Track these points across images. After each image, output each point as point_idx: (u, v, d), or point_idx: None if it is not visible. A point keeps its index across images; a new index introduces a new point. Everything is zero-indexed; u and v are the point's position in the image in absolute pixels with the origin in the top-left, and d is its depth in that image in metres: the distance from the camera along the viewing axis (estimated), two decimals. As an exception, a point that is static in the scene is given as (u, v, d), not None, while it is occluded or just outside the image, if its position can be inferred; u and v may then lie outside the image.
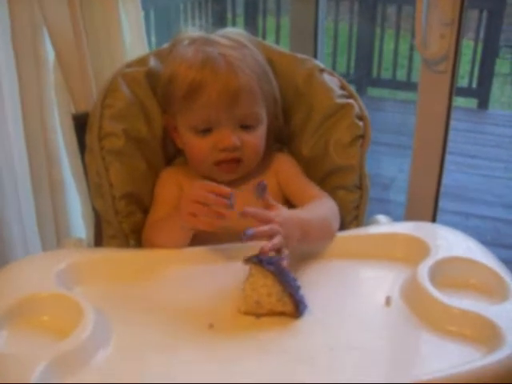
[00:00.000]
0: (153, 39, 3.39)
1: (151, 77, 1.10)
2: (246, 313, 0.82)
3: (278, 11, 4.68)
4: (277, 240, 0.85)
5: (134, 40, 1.51)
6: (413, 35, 4.67)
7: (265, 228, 0.86)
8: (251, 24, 4.62)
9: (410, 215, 1.51)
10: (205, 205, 0.90)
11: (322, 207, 1.03)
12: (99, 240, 1.11)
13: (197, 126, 1.03)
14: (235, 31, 1.10)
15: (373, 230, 1.05)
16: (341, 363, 0.74)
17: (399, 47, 4.88)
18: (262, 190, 0.90)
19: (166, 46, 1.14)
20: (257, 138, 1.06)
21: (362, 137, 1.10)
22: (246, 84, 1.02)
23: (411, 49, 4.76)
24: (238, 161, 1.05)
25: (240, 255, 0.85)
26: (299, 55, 1.16)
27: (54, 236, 1.65)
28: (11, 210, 1.51)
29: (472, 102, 4.55)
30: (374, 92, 4.96)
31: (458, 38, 1.32)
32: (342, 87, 1.13)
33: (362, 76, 4.94)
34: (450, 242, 0.98)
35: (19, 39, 1.47)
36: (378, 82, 4.99)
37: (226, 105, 1.01)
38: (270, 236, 0.85)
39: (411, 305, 0.84)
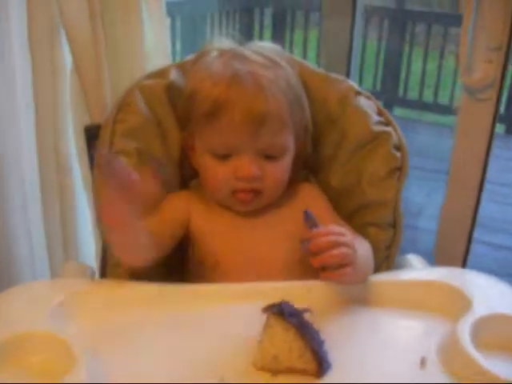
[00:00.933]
0: (177, 48, 3.34)
1: (172, 91, 1.01)
2: (262, 368, 0.72)
3: (305, 24, 4.60)
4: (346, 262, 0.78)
5: (156, 49, 1.43)
6: (441, 55, 4.62)
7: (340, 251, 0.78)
8: (279, 37, 4.54)
9: (441, 245, 1.41)
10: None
11: (362, 246, 0.92)
12: (105, 265, 1.02)
13: (215, 150, 0.93)
14: (270, 46, 1.00)
15: (406, 275, 0.94)
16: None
17: (427, 67, 4.77)
18: (312, 219, 0.82)
19: (190, 57, 1.05)
20: (280, 169, 0.96)
21: (399, 169, 1.00)
22: (274, 109, 0.91)
23: (440, 69, 4.66)
24: (256, 192, 0.95)
25: (259, 296, 0.76)
26: (332, 75, 1.06)
27: (62, 247, 1.58)
28: (18, 215, 1.45)
29: (500, 128, 4.43)
30: (399, 112, 4.85)
31: (505, 64, 1.22)
32: (379, 113, 1.03)
33: (388, 95, 4.84)
34: (492, 295, 0.87)
35: (36, 42, 1.41)
36: (405, 102, 4.88)
37: (249, 130, 0.91)
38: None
39: (450, 369, 0.73)
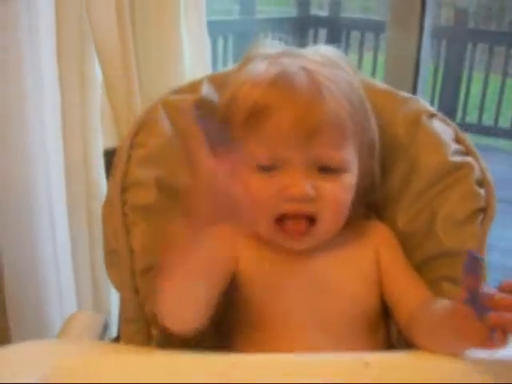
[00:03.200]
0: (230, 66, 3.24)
1: (202, 107, 0.84)
2: None
3: (360, 46, 4.43)
4: None
5: (195, 66, 1.30)
6: (504, 77, 4.39)
7: None
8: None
9: None
10: None
11: None
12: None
13: (258, 162, 0.74)
14: (329, 49, 0.82)
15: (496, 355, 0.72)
16: None
17: (487, 90, 4.55)
18: (476, 265, 0.62)
19: (228, 68, 0.89)
20: (340, 188, 0.76)
21: (484, 210, 0.80)
22: (333, 113, 0.72)
23: (502, 91, 4.42)
24: (310, 219, 0.74)
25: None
26: (401, 93, 0.88)
27: (90, 276, 1.45)
28: (46, 246, 1.32)
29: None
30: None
31: None
32: (458, 140, 0.84)
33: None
34: None
35: (65, 54, 1.31)
36: (463, 127, 4.65)
37: (301, 138, 0.72)
38: None
39: None
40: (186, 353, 0.69)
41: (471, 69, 4.59)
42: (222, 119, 0.80)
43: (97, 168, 1.36)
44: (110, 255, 0.80)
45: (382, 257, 0.81)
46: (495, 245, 2.58)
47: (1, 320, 1.33)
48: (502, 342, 0.60)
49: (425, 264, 0.82)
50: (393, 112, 0.85)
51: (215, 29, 3.09)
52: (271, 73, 0.74)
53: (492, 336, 0.60)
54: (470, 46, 4.56)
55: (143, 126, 0.82)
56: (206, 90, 0.85)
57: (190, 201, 0.62)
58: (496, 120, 4.52)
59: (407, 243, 0.83)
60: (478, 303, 0.61)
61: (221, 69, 1.18)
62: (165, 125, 0.82)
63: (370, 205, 0.87)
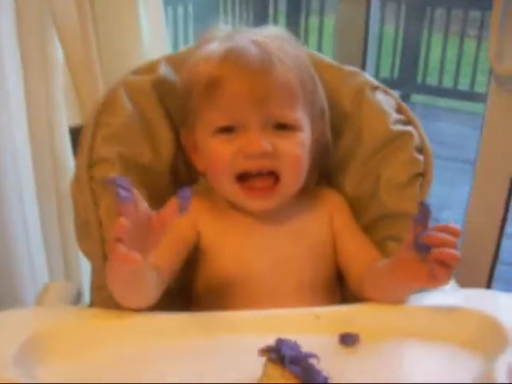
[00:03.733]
0: (191, 35, 3.23)
1: (161, 87, 0.89)
2: (259, 422, 0.60)
3: (321, 10, 4.44)
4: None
5: (154, 43, 1.33)
6: (461, 41, 4.46)
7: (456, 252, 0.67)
8: (293, 23, 4.39)
9: (469, 240, 1.30)
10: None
11: None
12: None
13: (217, 124, 0.80)
14: (278, 28, 0.88)
15: (429, 298, 0.80)
16: None
17: (447, 52, 4.61)
18: (425, 216, 0.69)
19: (182, 49, 0.93)
20: (296, 145, 0.81)
21: (423, 175, 0.87)
22: (284, 78, 0.79)
23: (460, 55, 4.49)
24: (272, 175, 0.81)
25: (263, 328, 0.64)
26: (346, 67, 0.93)
27: (60, 252, 1.50)
28: (16, 223, 1.36)
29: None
30: (418, 99, 4.69)
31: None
32: (399, 110, 0.90)
33: (407, 82, 4.68)
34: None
35: (26, 36, 1.33)
36: (424, 89, 4.72)
37: (254, 101, 0.78)
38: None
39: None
40: (164, 314, 0.75)
41: (430, 32, 4.64)
42: (180, 96, 0.86)
43: (64, 149, 1.40)
44: (81, 228, 0.85)
45: (334, 222, 0.88)
46: (452, 204, 2.69)
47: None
48: (446, 277, 0.68)
49: (371, 226, 0.89)
50: (338, 84, 0.91)
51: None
52: (223, 48, 0.80)
53: (434, 272, 0.68)
54: (428, 9, 4.61)
55: (106, 106, 0.86)
56: (164, 70, 0.90)
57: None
58: (455, 82, 4.59)
59: (355, 207, 0.90)
60: (421, 247, 0.69)
61: (182, 39, 1.22)
62: (126, 105, 0.86)
63: (322, 172, 0.93)
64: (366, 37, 1.29)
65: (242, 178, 0.81)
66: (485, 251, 1.31)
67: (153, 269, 0.73)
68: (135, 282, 0.71)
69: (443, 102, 4.66)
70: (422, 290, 0.78)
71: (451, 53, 4.64)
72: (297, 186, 0.84)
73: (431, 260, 0.68)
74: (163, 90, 0.89)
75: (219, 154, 0.80)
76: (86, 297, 1.00)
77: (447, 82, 4.62)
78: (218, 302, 0.83)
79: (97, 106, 0.86)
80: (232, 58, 0.79)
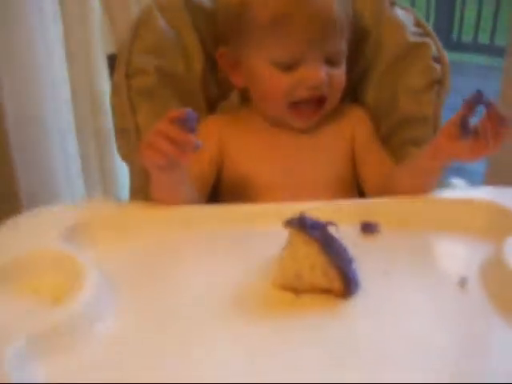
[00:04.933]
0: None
1: (191, 6, 0.94)
2: (283, 287, 0.66)
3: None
4: None
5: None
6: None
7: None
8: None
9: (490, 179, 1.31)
10: (167, 139, 0.70)
11: None
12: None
13: (280, 60, 0.86)
14: None
15: (446, 194, 0.86)
16: (394, 357, 0.57)
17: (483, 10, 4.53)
18: (478, 97, 0.72)
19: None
20: (342, 74, 0.90)
21: (440, 82, 0.91)
22: (338, 12, 0.85)
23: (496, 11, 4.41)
24: (321, 101, 0.88)
25: (283, 217, 0.68)
26: (365, -15, 0.97)
27: (100, 183, 1.58)
28: (57, 158, 1.43)
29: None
30: (453, 57, 4.62)
31: None
32: (417, 24, 0.94)
33: (441, 39, 4.62)
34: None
35: None
36: (459, 46, 4.65)
37: (318, 36, 0.85)
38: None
39: (492, 290, 0.66)
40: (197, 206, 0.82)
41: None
42: (227, 15, 0.90)
43: (101, 83, 1.45)
44: (120, 133, 0.92)
45: (356, 136, 0.94)
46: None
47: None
48: (496, 146, 0.71)
49: (391, 132, 0.95)
50: (359, 1, 0.95)
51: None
52: None
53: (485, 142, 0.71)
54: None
55: (140, 23, 0.91)
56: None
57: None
58: (492, 38, 4.51)
59: (376, 116, 0.96)
60: (466, 128, 0.72)
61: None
62: (159, 21, 0.91)
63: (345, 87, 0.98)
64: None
65: (293, 104, 0.88)
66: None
67: (191, 180, 0.81)
68: (176, 188, 0.79)
69: (480, 60, 4.58)
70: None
71: (487, 9, 4.56)
72: (335, 106, 0.92)
73: (483, 127, 0.71)
74: (194, 9, 0.94)
75: (276, 83, 0.87)
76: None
77: (484, 40, 4.55)
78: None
79: (132, 24, 0.92)
80: None
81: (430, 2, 4.65)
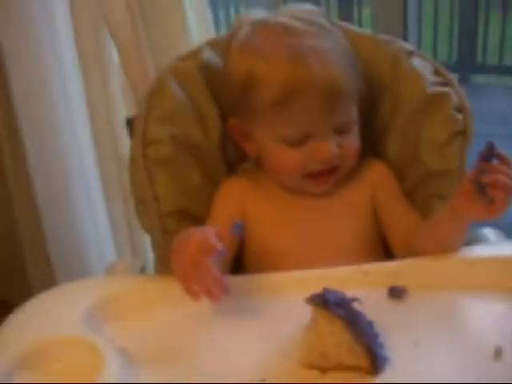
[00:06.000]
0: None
1: (206, 71, 0.94)
2: (309, 366, 0.64)
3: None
4: None
5: (200, 35, 1.40)
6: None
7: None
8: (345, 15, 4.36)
9: None
10: (201, 279, 0.72)
11: None
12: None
13: (290, 137, 0.85)
14: (305, 8, 0.91)
15: (479, 251, 0.82)
16: None
17: (506, 30, 4.47)
18: (490, 150, 0.72)
19: (223, 34, 0.98)
20: (355, 140, 0.89)
21: (463, 133, 0.88)
22: (344, 82, 0.84)
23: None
24: (335, 170, 0.88)
25: (307, 288, 0.66)
26: (381, 36, 0.96)
27: (128, 240, 1.59)
28: (86, 218, 1.48)
29: None
30: (478, 79, 4.57)
31: None
32: (437, 73, 0.92)
33: (466, 62, 4.58)
34: None
35: (82, 39, 1.44)
36: (484, 68, 4.60)
37: (326, 110, 0.84)
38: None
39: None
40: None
41: (488, 9, 4.52)
42: (232, 87, 0.88)
43: (125, 142, 1.47)
44: (139, 205, 0.91)
45: (378, 194, 0.92)
46: None
47: (47, 274, 1.47)
48: (504, 204, 0.70)
49: (415, 187, 0.92)
50: (376, 54, 0.94)
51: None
52: (285, 54, 0.82)
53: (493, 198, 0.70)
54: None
55: (155, 91, 0.91)
56: (208, 55, 0.95)
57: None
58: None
59: (398, 171, 0.93)
60: (481, 185, 0.71)
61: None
62: (174, 89, 0.91)
63: (365, 142, 0.96)
64: (405, 11, 1.30)
65: (308, 173, 0.87)
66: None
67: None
68: None
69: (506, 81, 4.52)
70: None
71: (510, 30, 4.50)
72: (350, 169, 0.90)
73: (486, 181, 0.70)
74: (209, 74, 0.93)
75: (288, 160, 0.86)
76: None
77: (509, 61, 4.48)
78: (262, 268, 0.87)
79: (147, 92, 0.91)
80: (301, 71, 0.82)
81: (453, 25, 4.62)
